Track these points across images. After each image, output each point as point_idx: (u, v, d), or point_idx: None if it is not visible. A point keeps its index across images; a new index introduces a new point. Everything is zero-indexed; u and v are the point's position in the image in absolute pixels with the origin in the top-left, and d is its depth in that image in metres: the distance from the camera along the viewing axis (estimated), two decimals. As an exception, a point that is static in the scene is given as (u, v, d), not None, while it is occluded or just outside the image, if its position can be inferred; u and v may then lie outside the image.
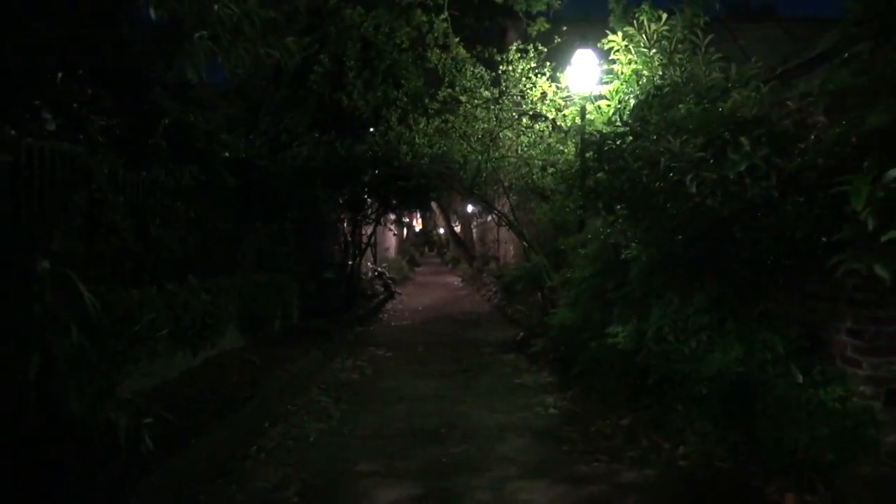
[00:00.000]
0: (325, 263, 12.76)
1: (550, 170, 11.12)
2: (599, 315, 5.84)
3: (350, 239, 15.26)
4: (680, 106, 4.92)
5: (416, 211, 16.78)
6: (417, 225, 45.07)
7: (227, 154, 9.43)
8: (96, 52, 6.64)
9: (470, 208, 28.82)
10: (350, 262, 13.99)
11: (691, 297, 4.62)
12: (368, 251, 20.51)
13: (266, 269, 10.35)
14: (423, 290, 22.07)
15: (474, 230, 28.13)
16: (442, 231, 43.48)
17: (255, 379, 7.23)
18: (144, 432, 4.47)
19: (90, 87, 6.62)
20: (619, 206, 5.17)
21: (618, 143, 5.20)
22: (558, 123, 10.87)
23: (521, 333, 10.78)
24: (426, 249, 46.49)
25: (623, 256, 5.39)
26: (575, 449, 5.33)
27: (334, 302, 12.82)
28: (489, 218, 25.06)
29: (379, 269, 19.58)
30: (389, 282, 19.30)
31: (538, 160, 10.94)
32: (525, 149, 10.90)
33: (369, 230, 16.28)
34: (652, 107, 5.54)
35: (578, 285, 6.79)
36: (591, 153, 5.69)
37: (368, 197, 13.58)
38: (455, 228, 25.51)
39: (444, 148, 11.17)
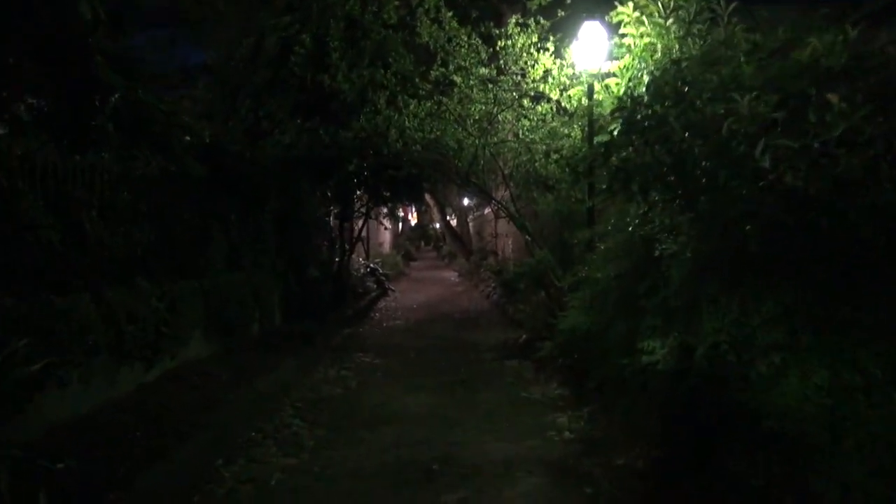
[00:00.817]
0: (311, 260, 11.62)
1: (554, 156, 9.98)
2: (625, 324, 4.70)
3: (338, 234, 14.11)
4: (742, 63, 3.77)
5: (408, 204, 15.61)
6: (413, 219, 43.90)
7: (189, 139, 8.26)
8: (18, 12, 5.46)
9: (466, 201, 27.67)
10: (338, 259, 12.84)
11: (757, 305, 3.49)
12: (360, 247, 19.39)
13: (242, 269, 9.20)
14: (418, 287, 20.93)
15: (471, 224, 26.98)
16: (438, 225, 42.34)
17: (216, 398, 6.10)
18: (40, 494, 3.33)
19: (11, 56, 5.47)
20: (656, 190, 4.03)
21: (655, 108, 4.05)
22: (563, 105, 9.73)
23: (525, 336, 9.65)
24: (422, 244, 45.30)
25: (658, 253, 4.26)
26: (601, 492, 4.21)
27: (321, 302, 11.68)
28: (486, 210, 23.91)
29: (371, 265, 18.44)
30: (382, 278, 18.15)
31: (541, 145, 9.79)
32: (526, 133, 9.75)
33: (360, 224, 15.13)
34: (668, 84, 4.40)
35: (595, 286, 5.67)
36: (616, 125, 4.55)
37: (356, 188, 12.43)
38: (451, 222, 24.36)
39: (437, 132, 10.01)
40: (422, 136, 9.82)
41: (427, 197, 23.55)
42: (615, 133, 4.43)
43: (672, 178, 3.86)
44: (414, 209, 41.21)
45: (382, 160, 10.96)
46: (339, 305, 12.55)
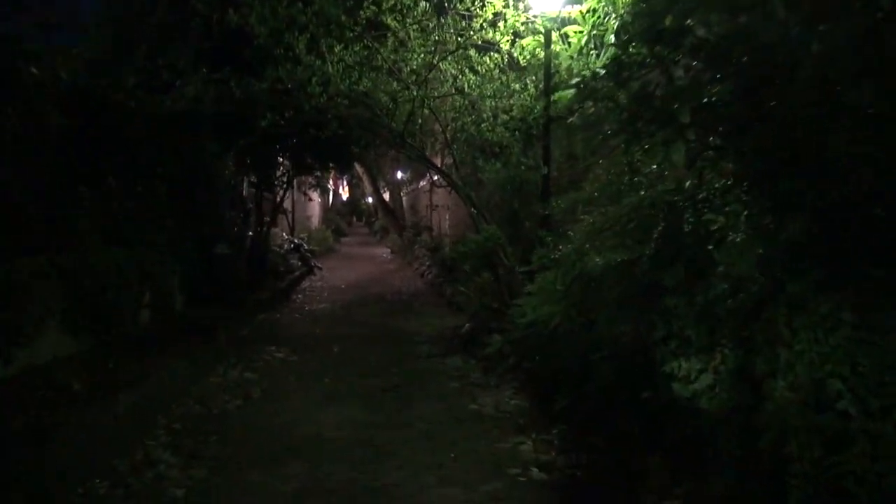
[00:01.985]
0: (220, 235, 9.76)
1: (503, 117, 8.45)
2: (630, 328, 3.22)
3: (255, 205, 12.22)
4: None
5: (337, 174, 13.81)
6: (344, 193, 41.82)
7: (44, 78, 6.32)
8: None
9: (400, 175, 25.92)
10: (252, 234, 10.98)
11: (885, 316, 2.05)
12: (284, 221, 17.46)
13: (127, 244, 7.33)
14: (348, 264, 19.17)
15: (404, 198, 25.30)
16: (370, 199, 40.43)
17: (55, 423, 4.34)
18: None
19: None
20: (713, 132, 2.52)
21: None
22: (515, 56, 8.18)
23: (468, 325, 8.15)
24: (353, 219, 43.29)
25: (691, 228, 2.78)
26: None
27: (232, 283, 9.86)
28: (421, 184, 22.28)
29: (296, 240, 16.56)
30: (308, 255, 16.33)
31: (489, 102, 8.23)
32: (472, 88, 8.16)
33: (283, 196, 13.26)
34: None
35: (572, 270, 4.17)
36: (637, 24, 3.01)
37: (276, 153, 10.57)
38: (384, 196, 22.62)
39: (368, 85, 8.31)
40: (349, 87, 8.09)
41: (358, 168, 21.72)
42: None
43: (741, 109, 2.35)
44: (345, 182, 39.16)
45: (304, 118, 9.17)
46: (255, 287, 10.75)
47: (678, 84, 2.57)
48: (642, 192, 3.36)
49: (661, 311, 2.93)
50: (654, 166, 3.40)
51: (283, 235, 16.34)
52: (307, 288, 13.64)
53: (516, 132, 8.29)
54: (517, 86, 8.14)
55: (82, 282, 6.17)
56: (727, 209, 2.62)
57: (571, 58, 7.94)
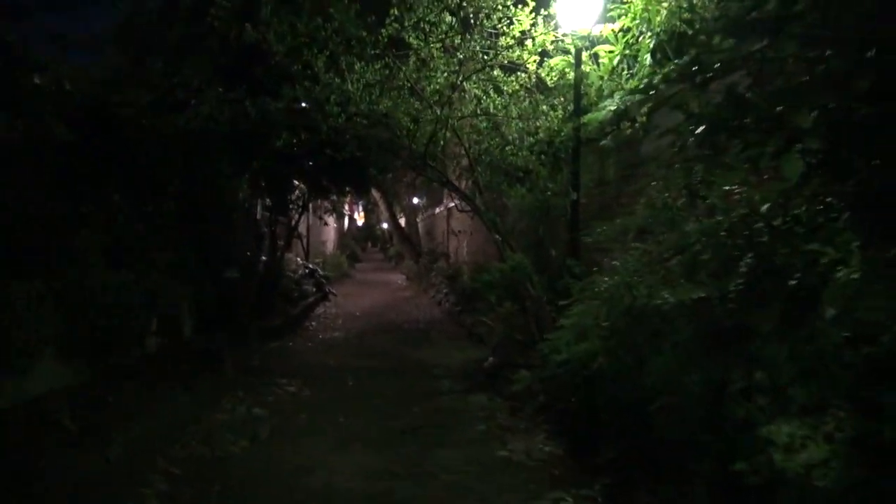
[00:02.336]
0: (231, 258, 9.34)
1: (529, 140, 8.01)
2: (703, 374, 2.71)
3: (269, 229, 11.83)
4: None
5: (353, 196, 13.43)
6: (360, 218, 41.54)
7: (54, 93, 5.97)
8: None
9: (416, 200, 25.57)
10: (265, 258, 10.55)
11: None
12: (299, 245, 17.08)
13: (132, 267, 6.91)
14: (362, 290, 18.72)
15: (420, 224, 24.92)
16: (385, 225, 40.09)
17: (38, 470, 3.87)
18: None
19: None
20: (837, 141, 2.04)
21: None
22: (542, 76, 7.77)
23: (492, 359, 7.63)
24: (368, 244, 42.95)
25: (819, 263, 2.26)
26: None
27: (241, 309, 9.42)
28: (438, 210, 21.88)
29: (311, 265, 16.15)
30: (323, 280, 15.88)
31: (514, 125, 7.79)
32: (498, 109, 7.73)
33: (299, 220, 12.86)
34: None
35: (627, 304, 3.67)
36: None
37: (291, 175, 10.18)
38: (400, 220, 22.21)
39: (388, 105, 7.91)
40: (368, 107, 7.69)
41: (374, 193, 21.36)
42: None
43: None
44: (361, 207, 38.89)
45: (321, 138, 8.78)
46: (267, 313, 10.29)
47: (796, 81, 2.10)
48: (717, 218, 2.85)
49: (746, 358, 2.42)
50: (728, 187, 2.91)
51: (297, 260, 15.93)
52: (321, 314, 13.17)
53: (542, 156, 7.84)
54: (544, 107, 7.70)
55: (81, 307, 5.74)
56: (836, 238, 2.12)
57: (601, 78, 7.54)
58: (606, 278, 3.94)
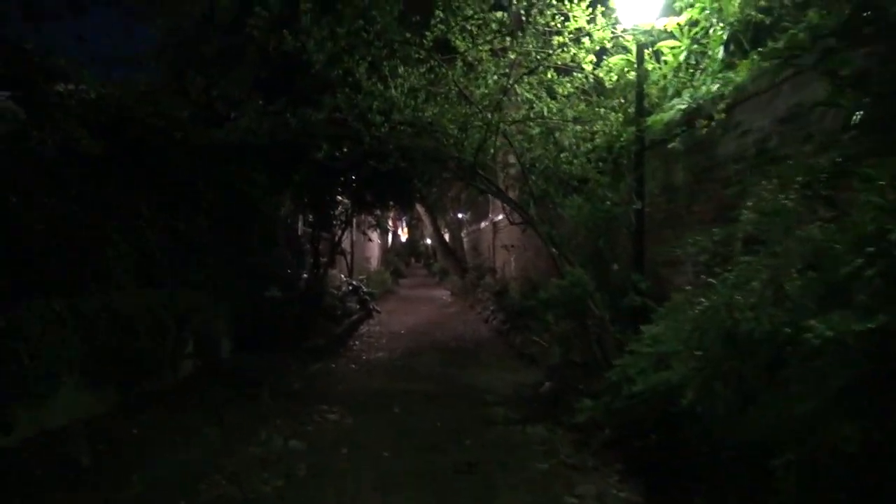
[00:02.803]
0: (271, 276, 8.90)
1: (586, 146, 7.37)
2: (859, 427, 2.04)
3: (312, 245, 11.41)
4: None
5: (397, 210, 12.94)
6: (403, 234, 41.25)
7: (82, 103, 5.60)
8: None
9: (460, 214, 25.02)
10: (306, 276, 10.09)
11: None
12: (343, 262, 16.68)
13: (164, 285, 6.50)
14: (407, 307, 18.20)
15: (465, 239, 24.35)
16: (429, 241, 39.66)
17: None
18: None
19: None
20: None
21: None
22: (599, 77, 7.14)
23: (548, 383, 6.97)
24: (412, 260, 42.57)
25: None
26: None
27: (282, 328, 8.96)
28: (483, 224, 21.28)
29: (354, 282, 15.71)
30: (366, 297, 15.41)
31: (570, 129, 7.17)
32: (552, 113, 7.12)
33: (340, 235, 12.41)
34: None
35: (729, 327, 3.00)
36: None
37: (333, 189, 9.73)
38: (444, 236, 21.66)
39: (433, 113, 7.39)
40: (412, 114, 7.18)
41: (418, 207, 20.90)
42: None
43: None
44: (404, 223, 38.59)
45: (363, 149, 8.30)
46: (309, 332, 9.82)
47: None
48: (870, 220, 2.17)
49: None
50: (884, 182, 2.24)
51: (341, 277, 15.53)
52: (365, 333, 12.66)
53: (600, 163, 7.19)
54: (602, 109, 7.05)
55: (107, 329, 5.30)
56: None
57: (665, 77, 6.87)
58: (703, 298, 3.26)
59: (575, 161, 7.32)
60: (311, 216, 10.88)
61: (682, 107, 5.91)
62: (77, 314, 4.97)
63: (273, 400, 6.54)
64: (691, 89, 6.11)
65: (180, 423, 5.24)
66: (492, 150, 7.53)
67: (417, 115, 7.19)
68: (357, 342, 11.44)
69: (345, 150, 8.17)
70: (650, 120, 6.72)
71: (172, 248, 6.72)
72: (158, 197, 6.71)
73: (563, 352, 7.45)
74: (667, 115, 6.21)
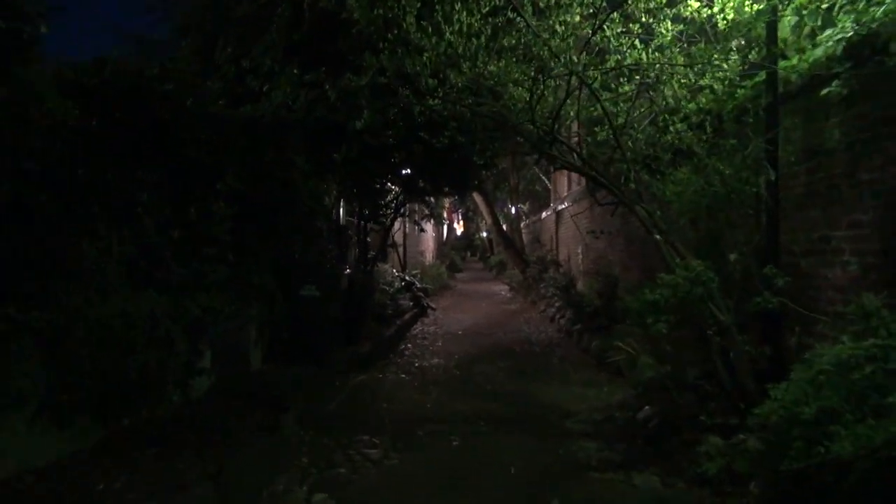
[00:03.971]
0: (307, 273, 7.54)
1: (688, 107, 5.70)
2: None
3: (358, 237, 10.03)
4: None
5: (452, 196, 11.44)
6: (459, 227, 39.80)
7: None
8: None
9: (517, 205, 23.36)
10: (349, 271, 8.68)
11: None
12: (395, 256, 15.33)
13: (169, 287, 5.17)
14: (464, 303, 16.73)
15: (524, 230, 22.71)
16: (485, 234, 38.08)
17: None
18: None
19: None
20: None
21: None
22: (713, 14, 5.46)
23: (648, 408, 5.36)
24: (468, 254, 41.02)
25: None
26: None
27: (322, 333, 7.60)
28: (544, 214, 19.61)
29: (407, 277, 14.32)
30: (420, 294, 14.01)
31: (678, 80, 5.52)
32: (653, 56, 5.47)
33: (389, 225, 11.00)
34: None
35: None
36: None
37: (375, 169, 8.28)
38: (502, 227, 20.05)
39: (498, 67, 5.85)
40: (472, 69, 5.65)
41: (475, 197, 19.37)
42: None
43: None
44: (460, 216, 37.14)
45: (414, 122, 6.83)
46: (353, 337, 8.43)
47: None
48: None
49: None
50: None
51: (392, 272, 14.15)
52: (418, 334, 11.24)
53: (705, 128, 5.50)
54: (715, 56, 5.38)
55: (82, 344, 3.98)
56: None
57: (801, 6, 5.13)
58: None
59: (671, 128, 5.67)
60: (357, 204, 9.48)
61: (846, 35, 4.21)
62: (36, 329, 3.66)
63: (301, 427, 5.15)
64: (853, 14, 4.39)
65: (168, 470, 3.89)
66: (571, 114, 5.94)
67: (478, 71, 5.65)
68: (409, 345, 10.01)
69: (391, 116, 6.74)
70: (787, 64, 5.03)
71: (183, 241, 5.39)
72: (165, 179, 5.39)
73: (667, 365, 5.83)
74: (818, 52, 4.53)
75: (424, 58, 5.63)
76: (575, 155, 5.56)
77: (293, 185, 7.32)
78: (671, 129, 5.64)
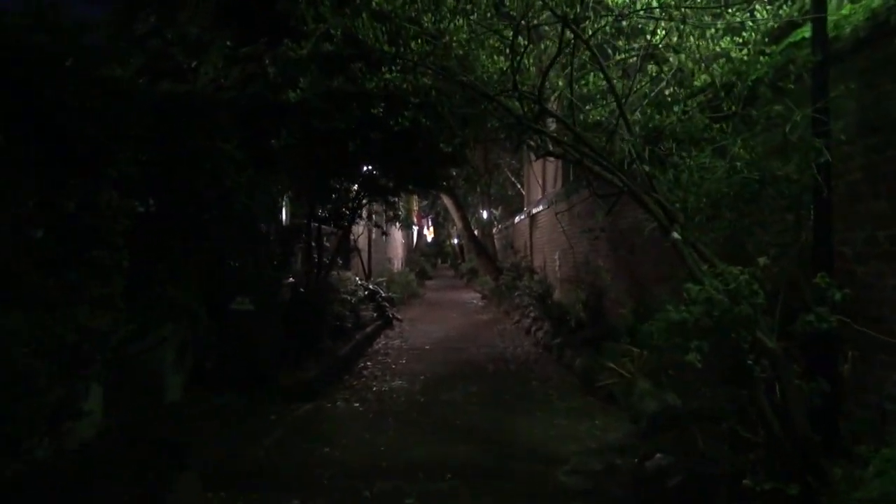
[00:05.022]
0: (241, 284, 6.19)
1: (702, 79, 4.51)
2: None
3: (311, 242, 8.68)
4: None
5: (417, 194, 10.15)
6: (429, 233, 38.50)
7: None
8: None
9: (485, 214, 22.21)
10: (292, 280, 7.31)
11: None
12: (360, 262, 13.99)
13: (32, 301, 3.80)
14: (433, 313, 15.44)
15: (496, 236, 21.53)
16: (455, 240, 36.84)
17: None
18: None
19: None
20: None
21: None
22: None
23: (658, 455, 4.12)
24: (439, 261, 39.69)
25: None
26: None
27: (259, 353, 6.25)
28: (518, 219, 18.45)
29: (371, 286, 12.97)
30: (385, 304, 12.66)
31: (696, 41, 4.33)
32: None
33: (349, 229, 9.67)
34: None
35: None
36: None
37: (329, 162, 6.93)
38: (474, 232, 18.80)
39: (463, 32, 4.59)
40: (435, 27, 4.39)
41: (445, 200, 18.15)
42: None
43: None
44: (430, 222, 35.89)
45: (367, 94, 5.54)
46: (300, 357, 7.08)
47: None
48: None
49: None
50: None
51: (355, 280, 12.80)
52: (381, 349, 9.92)
53: (731, 98, 4.30)
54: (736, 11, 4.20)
55: None
56: None
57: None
58: None
59: (684, 104, 4.49)
60: (306, 203, 8.13)
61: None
62: None
63: (207, 489, 3.80)
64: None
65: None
66: (560, 83, 4.70)
67: (443, 27, 4.39)
68: (369, 363, 8.69)
69: (335, 83, 5.47)
70: (839, 15, 3.88)
71: (51, 242, 4.03)
72: (31, 157, 4.03)
73: (674, 395, 4.63)
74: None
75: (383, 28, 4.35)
76: (568, 133, 4.32)
77: (224, 178, 5.97)
78: (684, 103, 4.45)
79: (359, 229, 13.20)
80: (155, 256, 5.38)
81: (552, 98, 5.03)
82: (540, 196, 15.05)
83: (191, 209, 5.61)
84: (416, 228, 30.80)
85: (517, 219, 18.49)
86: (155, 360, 5.52)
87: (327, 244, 9.88)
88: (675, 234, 3.80)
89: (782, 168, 3.89)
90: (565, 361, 8.26)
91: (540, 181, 15.24)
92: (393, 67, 4.96)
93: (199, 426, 4.89)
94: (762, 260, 3.98)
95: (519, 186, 20.67)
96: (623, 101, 4.24)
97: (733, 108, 4.24)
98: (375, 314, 12.09)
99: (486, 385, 7.22)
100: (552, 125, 5.58)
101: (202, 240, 5.78)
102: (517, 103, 4.55)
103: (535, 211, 15.13)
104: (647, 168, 3.94)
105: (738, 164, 4.06)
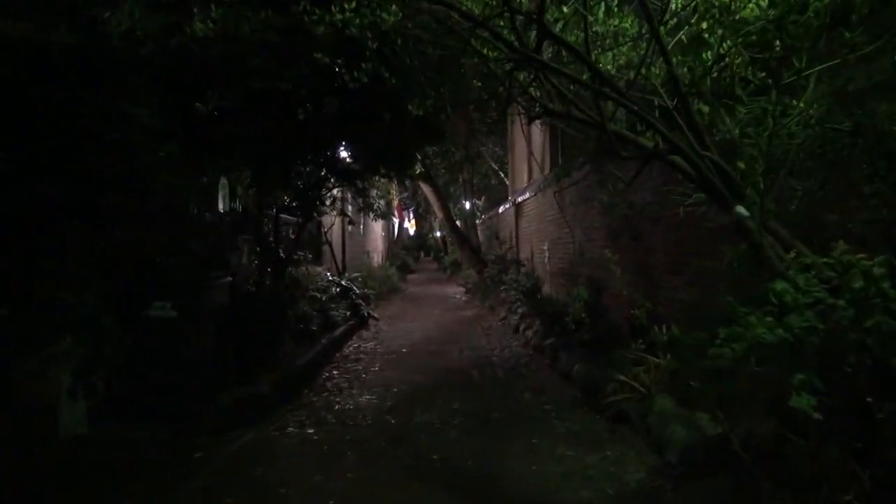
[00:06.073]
0: (164, 285, 4.88)
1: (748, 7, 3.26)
2: None
3: (267, 233, 7.37)
4: None
5: (391, 175, 8.82)
6: (411, 227, 37.16)
7: None
8: None
9: (468, 205, 20.92)
10: (231, 279, 5.97)
11: None
12: (332, 256, 12.68)
13: None
14: (414, 309, 14.18)
15: (480, 227, 20.27)
16: (438, 233, 35.57)
17: None
18: None
19: None
20: None
21: None
22: None
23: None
24: (421, 255, 38.36)
25: None
26: None
27: (184, 370, 4.95)
28: (502, 209, 17.20)
29: (344, 282, 11.66)
30: (360, 302, 11.37)
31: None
32: None
33: (329, 223, 8.36)
34: None
35: None
36: None
37: (260, 119, 5.60)
38: (456, 223, 17.55)
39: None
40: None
41: (424, 188, 16.85)
42: None
43: None
44: (412, 214, 34.58)
45: (310, 47, 4.27)
46: (251, 368, 5.79)
47: None
48: None
49: None
50: None
51: (327, 276, 11.51)
52: (351, 354, 8.64)
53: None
54: None
55: None
56: None
57: None
58: None
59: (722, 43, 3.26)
60: (254, 187, 6.80)
61: None
62: None
63: None
64: None
65: None
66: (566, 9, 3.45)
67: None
68: (335, 372, 7.41)
69: (265, 18, 4.17)
70: None
71: None
72: None
73: (709, 420, 3.44)
74: None
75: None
76: (586, 67, 3.05)
77: (136, 152, 4.65)
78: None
79: (330, 220, 11.90)
80: (40, 249, 4.09)
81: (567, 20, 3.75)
82: (526, 182, 13.81)
83: (88, 192, 4.30)
84: (396, 221, 29.48)
85: (501, 208, 17.24)
86: (45, 384, 4.23)
87: (293, 236, 8.58)
88: (741, 210, 2.57)
89: (887, 112, 2.69)
90: (561, 367, 7.05)
91: (525, 167, 14.00)
92: (346, 6, 3.72)
93: (93, 475, 3.61)
94: (841, 246, 2.76)
95: (503, 175, 19.45)
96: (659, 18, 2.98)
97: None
98: (349, 313, 10.79)
99: (471, 399, 5.97)
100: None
101: (106, 229, 4.47)
102: (511, 36, 3.30)
103: (520, 199, 13.89)
104: (707, 108, 2.69)
105: (813, 109, 2.85)
